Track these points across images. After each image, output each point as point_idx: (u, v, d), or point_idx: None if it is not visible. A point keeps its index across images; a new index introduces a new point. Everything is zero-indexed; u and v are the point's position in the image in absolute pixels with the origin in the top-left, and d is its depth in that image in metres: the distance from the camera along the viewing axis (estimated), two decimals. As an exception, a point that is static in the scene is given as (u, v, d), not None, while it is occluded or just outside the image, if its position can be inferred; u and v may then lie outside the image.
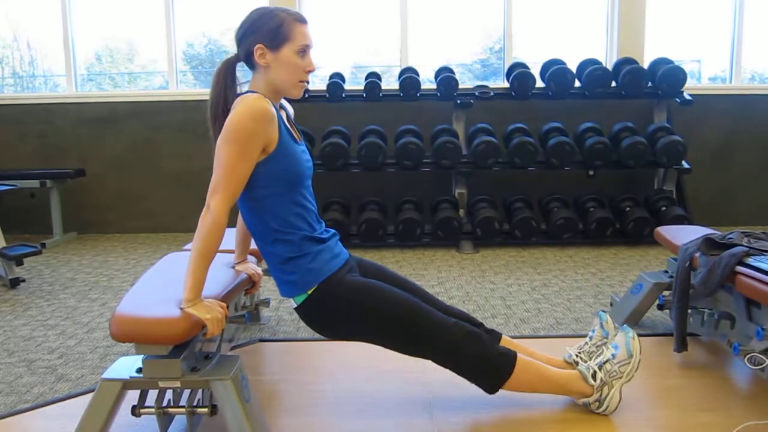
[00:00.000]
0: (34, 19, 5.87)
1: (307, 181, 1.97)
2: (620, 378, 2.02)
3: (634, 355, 2.03)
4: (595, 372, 2.02)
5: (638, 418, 2.03)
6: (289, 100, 2.03)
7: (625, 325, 2.13)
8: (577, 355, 2.14)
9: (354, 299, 1.91)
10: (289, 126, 1.94)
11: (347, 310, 1.92)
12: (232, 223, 2.25)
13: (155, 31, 5.69)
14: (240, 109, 1.77)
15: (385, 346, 2.01)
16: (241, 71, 1.95)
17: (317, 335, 2.83)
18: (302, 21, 1.87)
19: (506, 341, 2.14)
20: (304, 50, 1.85)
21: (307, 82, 1.91)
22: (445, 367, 1.99)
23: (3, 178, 4.84)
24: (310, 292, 1.90)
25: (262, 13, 1.87)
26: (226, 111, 1.82)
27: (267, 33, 1.83)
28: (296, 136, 1.97)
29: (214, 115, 1.88)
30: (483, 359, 1.95)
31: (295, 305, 1.95)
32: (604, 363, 2.03)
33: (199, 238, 1.72)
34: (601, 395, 2.02)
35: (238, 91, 1.92)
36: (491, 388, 1.99)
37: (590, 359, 2.11)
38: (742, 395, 2.26)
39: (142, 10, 5.73)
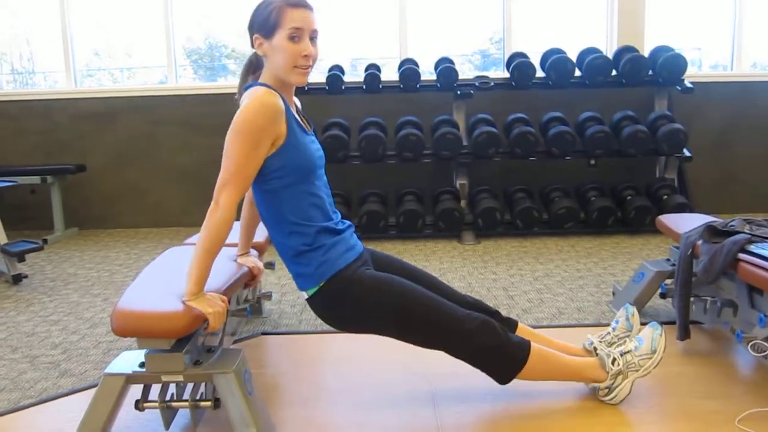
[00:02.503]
0: (32, 16, 5.85)
1: (320, 170, 1.97)
2: (637, 371, 2.01)
3: (657, 351, 2.03)
4: (615, 359, 2.02)
5: (642, 406, 2.02)
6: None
7: (654, 321, 2.13)
8: (598, 343, 2.13)
9: (366, 292, 1.89)
10: (298, 117, 1.93)
11: (359, 303, 1.90)
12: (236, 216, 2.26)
13: (154, 25, 5.67)
14: (248, 104, 1.76)
15: (398, 338, 1.99)
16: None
17: (319, 328, 2.85)
18: (296, 5, 1.80)
19: (522, 329, 2.14)
20: (295, 34, 1.79)
21: (308, 68, 1.83)
22: (458, 357, 1.98)
23: (3, 174, 4.84)
24: (322, 285, 1.89)
25: (259, 4, 1.86)
26: None
27: (261, 22, 1.82)
28: (306, 127, 1.96)
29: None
30: (496, 349, 1.93)
31: (307, 296, 1.94)
32: (626, 353, 2.03)
33: (207, 233, 1.71)
34: (613, 383, 2.01)
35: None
36: (504, 376, 1.97)
37: (608, 348, 2.11)
38: (746, 382, 2.26)
39: (141, 5, 5.71)
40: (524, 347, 1.96)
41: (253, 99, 1.77)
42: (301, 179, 1.87)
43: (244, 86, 1.94)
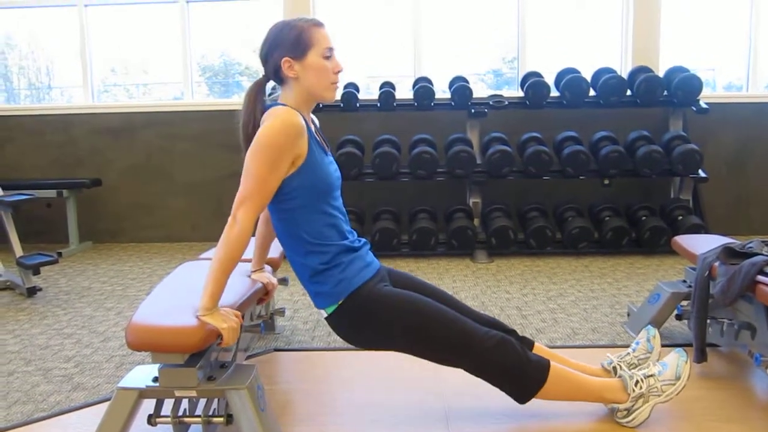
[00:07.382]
0: (50, 31, 5.94)
1: (336, 191, 1.98)
2: (658, 396, 1.99)
3: (681, 378, 2.01)
4: (638, 381, 1.99)
5: (659, 429, 1.99)
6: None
7: (680, 348, 2.11)
8: (618, 363, 2.11)
9: (385, 310, 1.90)
10: (318, 137, 1.95)
11: (378, 321, 1.91)
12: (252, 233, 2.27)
13: (170, 42, 5.74)
14: (271, 122, 1.79)
15: (415, 355, 1.99)
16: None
17: (332, 345, 2.84)
18: (320, 25, 1.89)
19: (539, 349, 2.12)
20: (328, 53, 1.88)
21: (338, 83, 1.93)
22: (476, 375, 1.97)
23: (20, 188, 4.88)
24: (341, 302, 1.90)
25: (280, 27, 1.89)
26: (256, 128, 1.83)
27: (290, 44, 1.85)
28: (325, 148, 1.98)
29: (246, 135, 1.88)
30: (515, 367, 1.92)
31: (326, 315, 1.94)
32: (649, 376, 2.01)
33: (224, 248, 1.72)
34: (633, 406, 1.99)
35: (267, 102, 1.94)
36: (523, 396, 1.96)
37: (630, 369, 2.08)
38: (764, 406, 2.22)
39: (158, 23, 5.79)
40: (544, 366, 1.94)
41: (275, 118, 1.79)
42: (318, 199, 1.89)
43: (261, 106, 1.92)
